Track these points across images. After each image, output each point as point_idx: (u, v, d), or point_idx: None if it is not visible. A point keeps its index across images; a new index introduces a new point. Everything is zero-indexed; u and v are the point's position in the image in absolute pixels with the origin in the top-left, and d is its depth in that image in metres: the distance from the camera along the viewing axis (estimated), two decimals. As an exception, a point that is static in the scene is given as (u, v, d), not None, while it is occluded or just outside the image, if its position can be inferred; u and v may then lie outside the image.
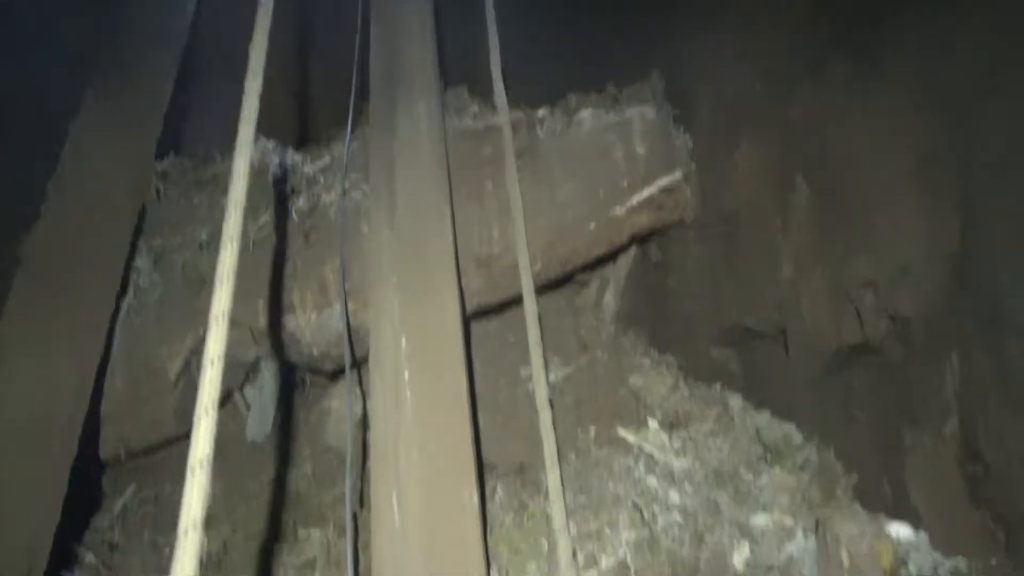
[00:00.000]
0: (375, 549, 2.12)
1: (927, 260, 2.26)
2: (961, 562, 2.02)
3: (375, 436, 2.29)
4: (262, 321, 3.03)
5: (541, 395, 2.47)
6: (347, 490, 2.33)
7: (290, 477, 3.17)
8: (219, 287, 1.56)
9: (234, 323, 2.97)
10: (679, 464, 2.68)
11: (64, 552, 2.69)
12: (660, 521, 2.38)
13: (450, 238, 2.76)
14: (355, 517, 2.52)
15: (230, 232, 1.63)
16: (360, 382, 3.11)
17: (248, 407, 3.43)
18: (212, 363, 1.45)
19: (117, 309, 3.00)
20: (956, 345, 2.19)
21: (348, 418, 2.57)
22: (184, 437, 3.35)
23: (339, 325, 2.91)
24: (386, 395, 2.33)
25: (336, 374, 3.36)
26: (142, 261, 3.16)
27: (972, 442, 2.12)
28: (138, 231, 3.20)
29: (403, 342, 2.43)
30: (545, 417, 2.41)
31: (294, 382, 3.73)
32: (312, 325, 2.99)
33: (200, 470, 1.31)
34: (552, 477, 2.31)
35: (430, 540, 2.09)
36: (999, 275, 2.07)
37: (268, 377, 3.42)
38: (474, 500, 2.14)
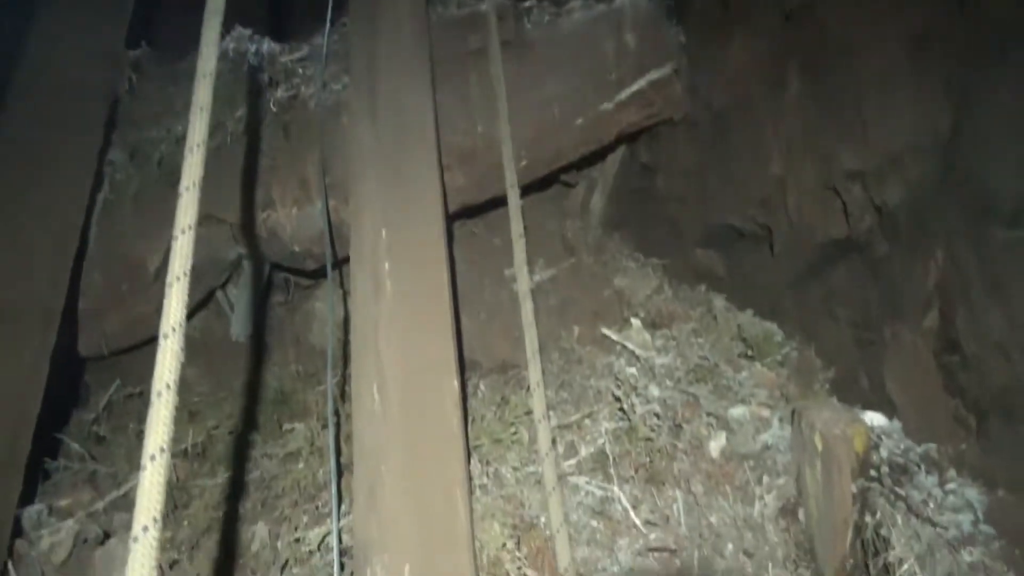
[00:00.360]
0: (356, 438, 2.13)
1: (917, 150, 2.22)
2: (932, 448, 2.06)
3: (355, 326, 2.28)
4: (242, 218, 2.97)
5: (523, 286, 2.45)
6: (328, 381, 2.33)
7: (275, 375, 3.18)
8: (190, 156, 1.51)
9: (214, 219, 2.99)
10: (660, 361, 2.70)
11: (49, 443, 2.71)
12: (639, 413, 2.41)
13: (432, 132, 2.68)
14: (337, 412, 2.55)
15: (200, 102, 1.56)
16: (342, 283, 3.09)
17: (231, 307, 3.41)
18: (183, 232, 1.41)
19: (92, 203, 2.93)
20: (941, 237, 2.18)
21: (329, 306, 2.56)
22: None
23: (320, 222, 2.86)
24: (366, 286, 2.30)
25: (319, 275, 3.33)
26: (117, 155, 3.08)
27: (951, 333, 2.13)
28: (112, 124, 3.10)
29: (383, 234, 2.38)
30: (527, 309, 2.40)
31: (278, 284, 3.71)
32: (293, 221, 2.94)
33: (173, 336, 1.29)
34: (533, 368, 2.31)
35: (411, 428, 2.09)
36: (989, 164, 2.04)
37: (250, 276, 3.39)
38: (455, 388, 2.15)
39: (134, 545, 1.12)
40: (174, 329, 1.29)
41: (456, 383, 2.16)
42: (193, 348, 3.38)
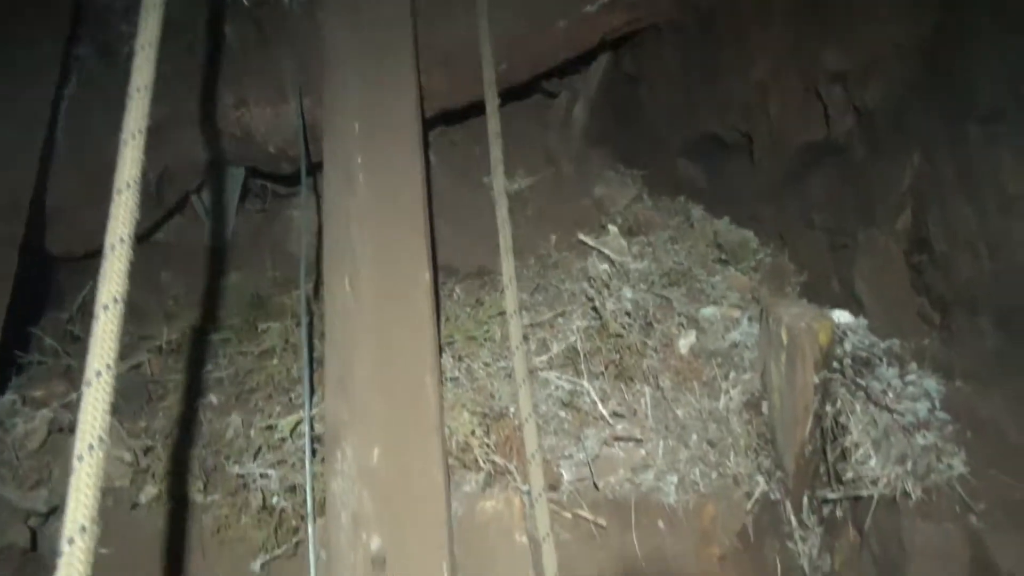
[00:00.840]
0: (328, 327, 2.15)
1: (899, 49, 2.18)
2: (895, 343, 2.09)
3: (327, 219, 2.26)
4: (214, 117, 2.91)
5: (498, 184, 2.43)
6: (301, 273, 2.33)
7: (252, 280, 3.18)
8: (146, 15, 1.46)
9: (185, 119, 2.93)
10: (635, 266, 2.70)
11: (23, 338, 2.71)
12: (612, 313, 2.42)
13: (410, 30, 2.62)
14: (311, 310, 2.55)
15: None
16: (317, 188, 3.05)
17: (207, 211, 3.38)
18: (138, 91, 1.37)
19: (59, 98, 2.85)
20: (918, 137, 2.16)
21: (302, 199, 2.54)
22: (145, 236, 3.32)
23: (295, 121, 2.81)
24: (338, 178, 2.28)
25: (296, 182, 3.28)
26: (85, 50, 2.98)
27: (922, 232, 2.14)
28: (78, 17, 2.99)
29: (356, 127, 2.35)
30: (501, 205, 2.38)
31: (256, 191, 3.68)
32: (267, 121, 2.88)
33: (127, 192, 1.27)
34: (506, 264, 2.31)
35: (382, 317, 2.10)
36: (970, 61, 2.01)
37: (225, 180, 3.35)
38: (426, 280, 2.15)
39: (87, 390, 1.13)
40: (128, 185, 1.28)
41: (428, 275, 2.16)
42: (169, 253, 3.41)
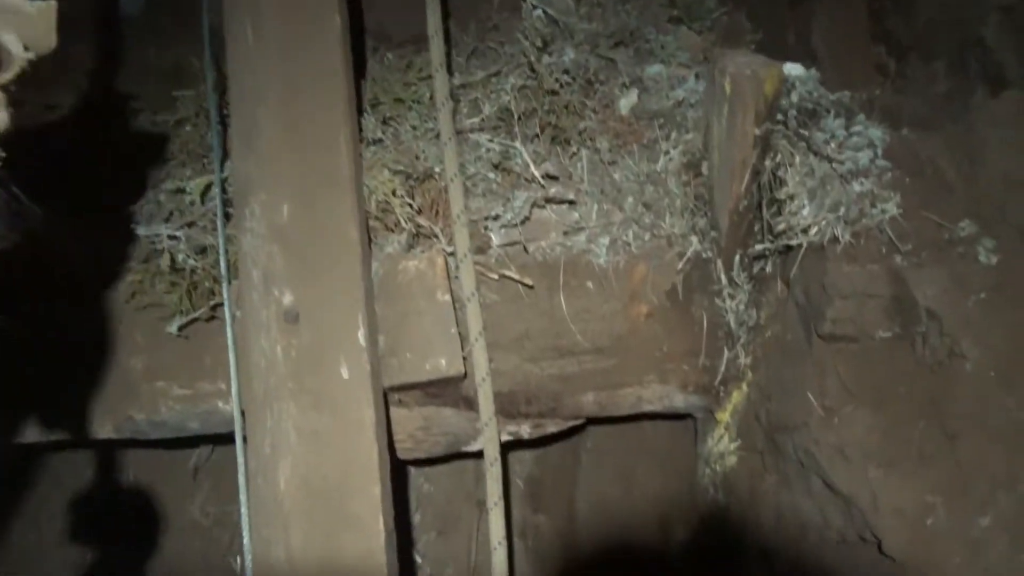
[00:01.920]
0: (233, 84, 1.96)
1: None
2: (846, 95, 1.95)
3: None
4: None
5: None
6: (203, 22, 2.09)
7: (171, 51, 2.91)
8: None
9: None
10: (582, 27, 2.47)
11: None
12: (550, 73, 2.24)
13: None
14: (220, 68, 2.34)
15: None
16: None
17: (113, -25, 3.03)
18: None
19: None
20: None
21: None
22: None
23: None
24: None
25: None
26: None
27: (887, -28, 1.94)
28: None
29: None
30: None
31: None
32: None
33: None
34: (432, 11, 2.09)
35: (289, 68, 1.90)
36: None
37: (129, -65, 2.98)
38: (336, 23, 1.93)
39: None
40: None
41: (338, 19, 1.94)
42: (77, 24, 3.09)
